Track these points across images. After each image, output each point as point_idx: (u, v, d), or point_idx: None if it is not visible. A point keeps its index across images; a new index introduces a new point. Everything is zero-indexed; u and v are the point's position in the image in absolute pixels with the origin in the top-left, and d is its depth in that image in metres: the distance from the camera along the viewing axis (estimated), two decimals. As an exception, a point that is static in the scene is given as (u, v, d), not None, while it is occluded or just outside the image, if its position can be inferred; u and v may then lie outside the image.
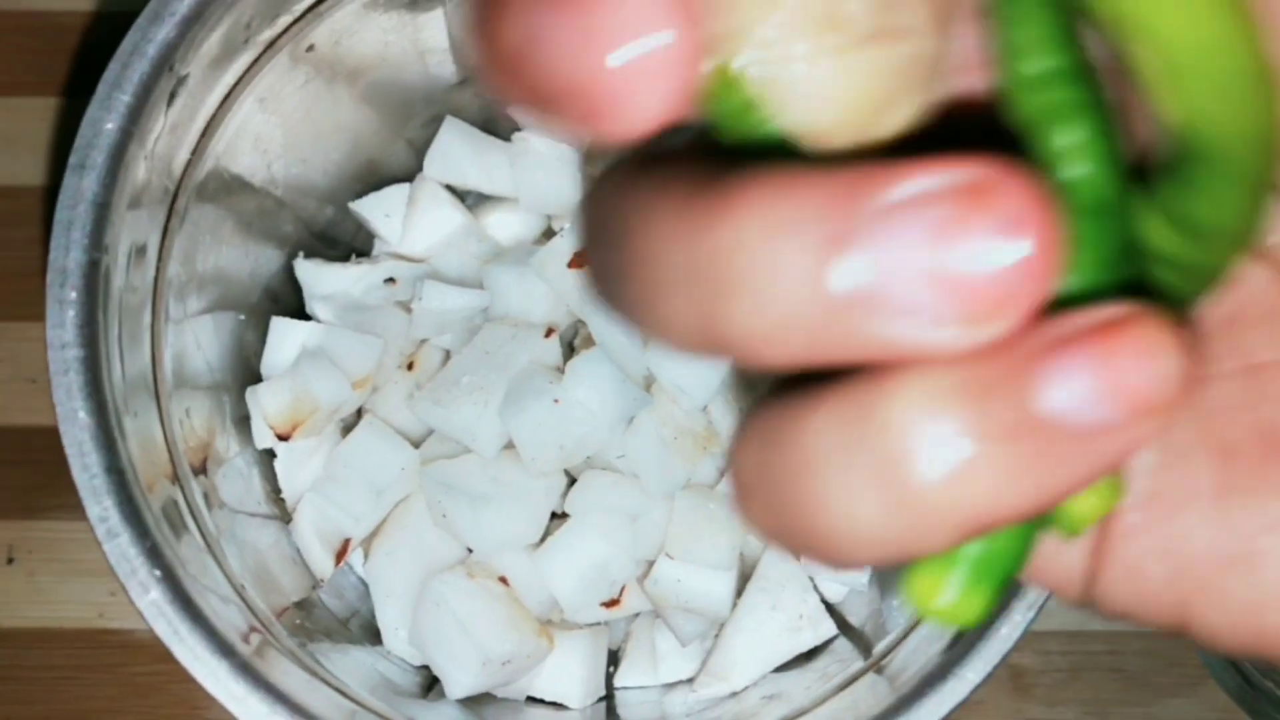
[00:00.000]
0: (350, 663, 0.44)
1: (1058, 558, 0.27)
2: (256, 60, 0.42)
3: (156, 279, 0.41)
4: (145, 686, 0.54)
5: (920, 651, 0.39)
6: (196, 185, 0.42)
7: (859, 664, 0.41)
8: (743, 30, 0.19)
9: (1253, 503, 0.25)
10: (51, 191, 0.55)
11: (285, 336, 0.48)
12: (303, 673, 0.39)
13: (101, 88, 0.38)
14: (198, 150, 0.41)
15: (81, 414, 0.37)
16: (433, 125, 0.50)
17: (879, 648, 0.41)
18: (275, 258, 0.49)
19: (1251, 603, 0.25)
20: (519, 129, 0.50)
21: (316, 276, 0.48)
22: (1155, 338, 0.19)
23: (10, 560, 0.55)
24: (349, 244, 0.51)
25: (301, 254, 0.49)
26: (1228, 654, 0.26)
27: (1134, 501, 0.26)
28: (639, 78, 0.19)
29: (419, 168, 0.50)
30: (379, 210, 0.49)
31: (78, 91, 0.56)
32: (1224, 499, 0.25)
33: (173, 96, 0.39)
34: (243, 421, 0.47)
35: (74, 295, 0.37)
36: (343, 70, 0.46)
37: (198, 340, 0.44)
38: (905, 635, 0.40)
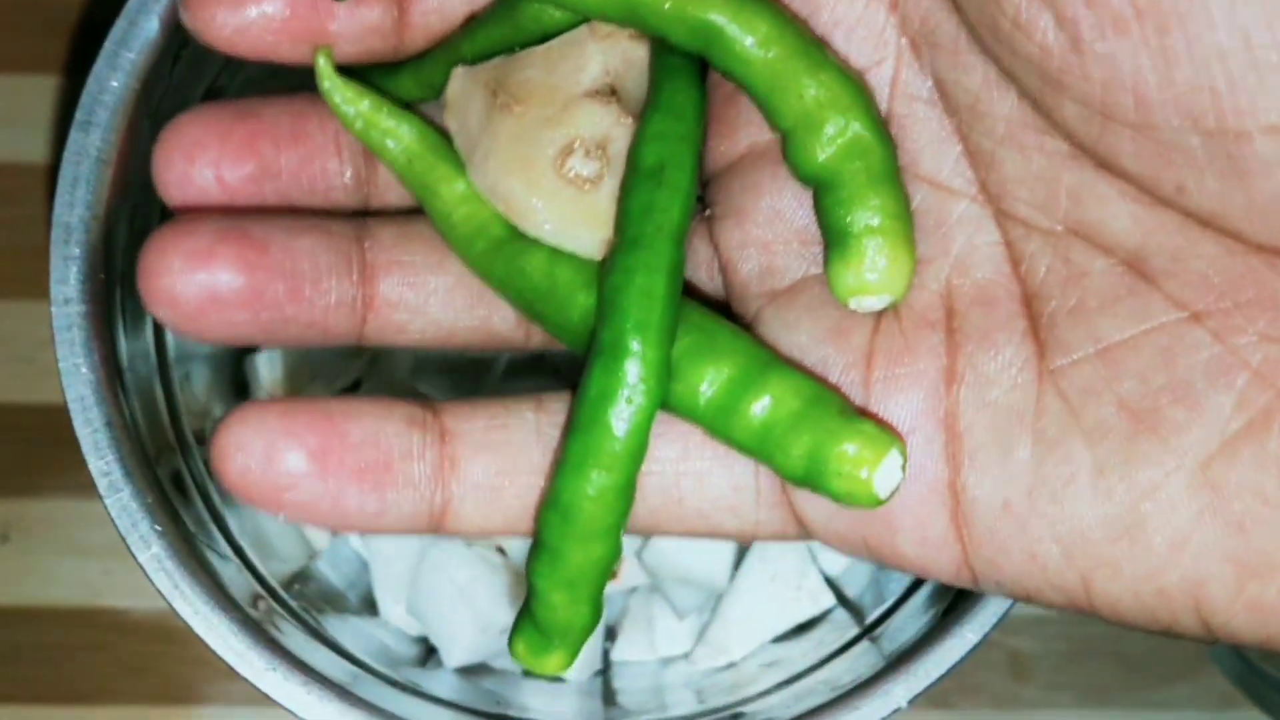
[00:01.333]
0: (350, 631, 0.44)
1: (927, 550, 0.28)
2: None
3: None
4: (139, 666, 0.54)
5: (914, 618, 0.39)
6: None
7: (853, 631, 0.41)
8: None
9: (1129, 474, 0.26)
10: (53, 170, 0.55)
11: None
12: (303, 634, 0.39)
13: (108, 45, 0.38)
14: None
15: (84, 369, 0.37)
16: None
17: (873, 615, 0.41)
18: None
19: (1146, 569, 0.26)
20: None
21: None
22: None
23: (5, 538, 0.54)
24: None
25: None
26: (1132, 626, 0.27)
27: (1020, 493, 0.27)
28: None
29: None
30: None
31: (79, 70, 0.56)
32: (1103, 476, 0.26)
33: (177, 57, 0.39)
34: (241, 390, 0.47)
35: (78, 251, 0.37)
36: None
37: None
38: (900, 603, 0.40)
